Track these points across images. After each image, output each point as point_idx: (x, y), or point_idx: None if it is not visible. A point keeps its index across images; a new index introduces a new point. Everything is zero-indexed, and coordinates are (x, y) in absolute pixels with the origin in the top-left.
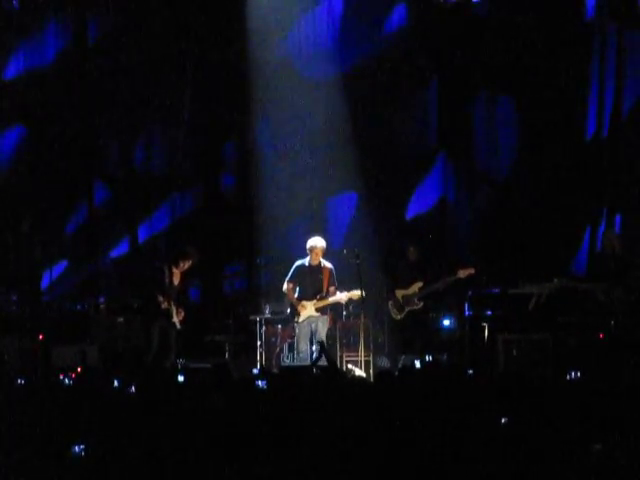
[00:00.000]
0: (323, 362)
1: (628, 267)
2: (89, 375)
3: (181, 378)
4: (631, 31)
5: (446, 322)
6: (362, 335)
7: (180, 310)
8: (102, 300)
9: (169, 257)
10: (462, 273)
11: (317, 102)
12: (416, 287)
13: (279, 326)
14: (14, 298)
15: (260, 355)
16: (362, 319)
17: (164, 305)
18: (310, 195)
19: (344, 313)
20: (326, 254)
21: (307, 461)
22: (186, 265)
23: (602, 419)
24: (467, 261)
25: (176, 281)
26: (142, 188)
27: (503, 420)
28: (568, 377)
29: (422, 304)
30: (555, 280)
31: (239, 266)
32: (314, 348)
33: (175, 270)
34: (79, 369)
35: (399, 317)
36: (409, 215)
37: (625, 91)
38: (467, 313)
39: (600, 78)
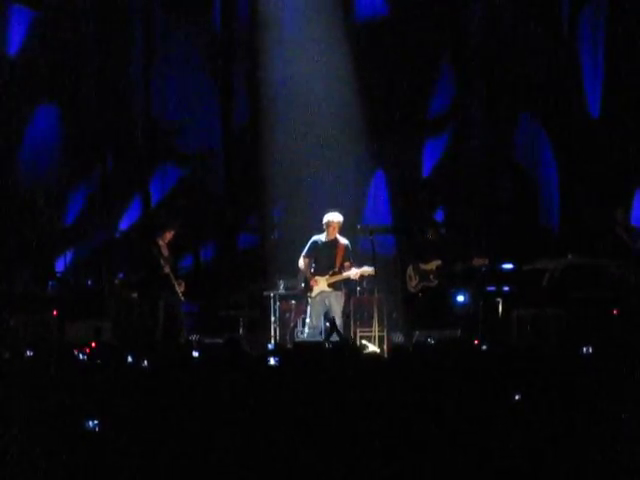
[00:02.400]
0: (336, 337)
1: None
2: (103, 350)
3: (196, 354)
4: None
5: (460, 298)
6: (376, 311)
7: (180, 281)
8: (121, 276)
9: (152, 230)
10: (477, 262)
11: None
12: (434, 265)
13: (293, 302)
14: (29, 274)
15: (274, 330)
16: (376, 295)
17: (167, 270)
18: (327, 169)
19: (358, 289)
20: (342, 229)
21: (320, 437)
22: (170, 235)
23: (616, 393)
24: (482, 247)
25: (165, 253)
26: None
27: (517, 396)
28: (582, 352)
29: (437, 282)
30: (569, 256)
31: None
32: (328, 324)
33: (161, 242)
34: (93, 344)
35: (414, 290)
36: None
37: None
38: (481, 289)
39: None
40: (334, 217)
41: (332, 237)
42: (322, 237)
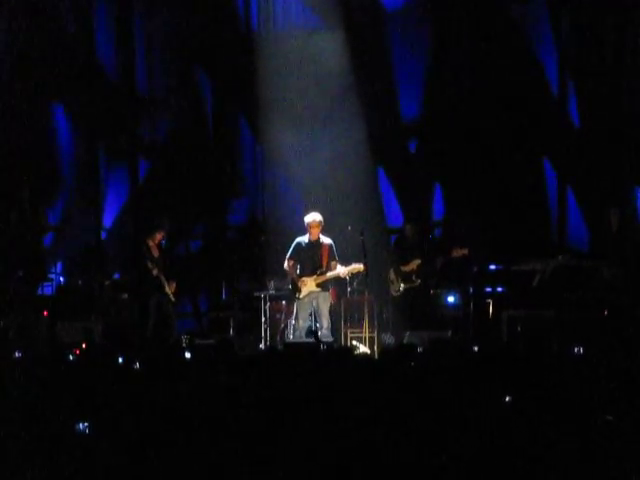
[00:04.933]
0: (328, 338)
1: (630, 245)
2: (93, 351)
3: (188, 355)
4: None
5: (450, 299)
6: (366, 312)
7: (171, 282)
8: (117, 276)
9: (143, 232)
10: (456, 252)
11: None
12: (414, 264)
13: (283, 302)
14: (19, 274)
15: (265, 331)
16: (366, 295)
17: (155, 272)
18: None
19: (348, 289)
20: (325, 229)
21: (311, 438)
22: (160, 236)
23: (607, 394)
24: (463, 240)
25: (156, 254)
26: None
27: (507, 398)
28: (573, 353)
29: (419, 282)
30: (559, 257)
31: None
32: (318, 325)
33: (152, 243)
34: (84, 345)
35: (397, 293)
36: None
37: None
38: (472, 290)
39: None
40: (314, 217)
41: (315, 238)
42: (305, 238)
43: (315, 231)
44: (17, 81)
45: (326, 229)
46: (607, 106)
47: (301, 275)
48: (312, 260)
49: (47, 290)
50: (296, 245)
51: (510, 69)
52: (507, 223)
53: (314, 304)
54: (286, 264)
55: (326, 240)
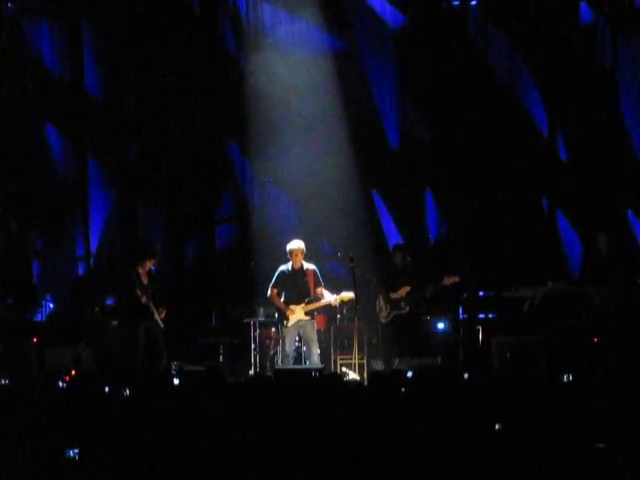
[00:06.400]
0: (317, 365)
1: (619, 270)
2: (83, 378)
3: (176, 381)
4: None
5: (440, 325)
6: (356, 338)
7: (161, 309)
8: (109, 302)
9: (133, 259)
10: (447, 280)
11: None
12: (404, 291)
13: (273, 329)
14: (9, 302)
15: (254, 358)
16: (356, 322)
17: (144, 299)
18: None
19: (338, 316)
20: (306, 256)
21: (300, 464)
22: (151, 264)
23: (598, 422)
24: (454, 266)
25: (145, 281)
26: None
27: (497, 426)
28: (562, 381)
29: (408, 309)
30: (549, 283)
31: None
32: (307, 353)
33: (141, 270)
34: (73, 372)
35: (385, 320)
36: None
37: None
38: (461, 316)
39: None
40: (297, 245)
41: (298, 265)
42: (288, 266)
43: (298, 259)
44: (9, 103)
45: (320, 255)
46: (591, 141)
47: (288, 303)
48: (299, 288)
49: (37, 317)
50: (280, 273)
51: (496, 110)
52: (499, 250)
53: (301, 332)
54: (269, 293)
55: (310, 266)
